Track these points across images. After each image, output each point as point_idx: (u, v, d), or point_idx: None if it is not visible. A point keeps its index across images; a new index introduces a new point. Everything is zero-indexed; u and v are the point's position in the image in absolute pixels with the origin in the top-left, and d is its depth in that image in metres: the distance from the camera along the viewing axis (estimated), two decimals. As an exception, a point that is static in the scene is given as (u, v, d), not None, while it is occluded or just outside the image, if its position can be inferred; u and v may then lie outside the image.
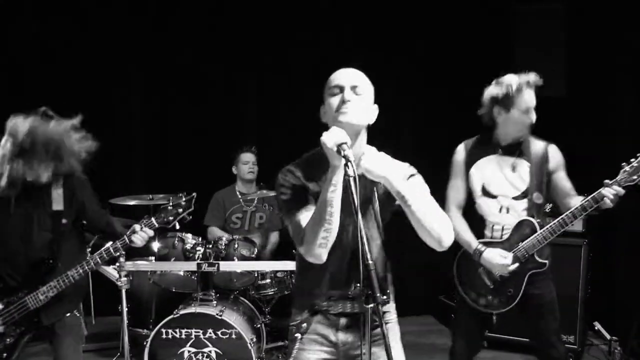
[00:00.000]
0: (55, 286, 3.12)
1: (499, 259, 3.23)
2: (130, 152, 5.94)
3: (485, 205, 3.35)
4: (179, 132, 6.06)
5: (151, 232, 3.25)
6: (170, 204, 3.31)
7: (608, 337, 5.03)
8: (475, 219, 3.37)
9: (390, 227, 2.35)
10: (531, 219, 3.29)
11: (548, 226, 3.22)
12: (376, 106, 2.37)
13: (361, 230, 1.96)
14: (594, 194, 3.10)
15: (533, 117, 3.24)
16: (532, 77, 3.23)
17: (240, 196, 5.26)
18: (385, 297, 2.00)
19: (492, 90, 3.29)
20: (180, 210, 3.32)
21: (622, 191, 3.10)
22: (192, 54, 5.96)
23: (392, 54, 5.92)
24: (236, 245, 4.41)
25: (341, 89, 2.25)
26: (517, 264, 3.24)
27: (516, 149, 3.34)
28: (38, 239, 3.17)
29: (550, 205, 3.49)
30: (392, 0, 5.95)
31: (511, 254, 3.25)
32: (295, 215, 2.27)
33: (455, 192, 3.39)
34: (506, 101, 3.22)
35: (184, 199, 3.33)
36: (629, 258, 5.09)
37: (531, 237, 3.25)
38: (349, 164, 2.00)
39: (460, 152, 3.42)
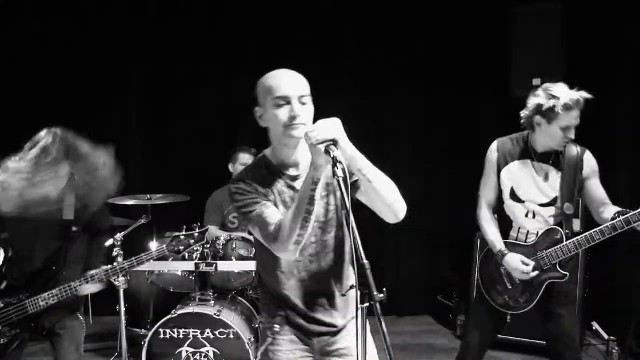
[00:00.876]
0: (57, 295, 3.12)
1: (520, 265, 3.25)
2: (129, 152, 5.90)
3: (513, 208, 3.36)
4: (178, 131, 6.04)
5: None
6: (184, 233, 3.42)
7: (606, 337, 5.03)
8: (503, 218, 3.41)
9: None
10: (560, 229, 3.30)
11: (575, 239, 3.22)
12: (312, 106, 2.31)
13: (354, 230, 1.93)
14: (627, 216, 3.08)
15: (572, 135, 3.21)
16: (583, 94, 3.18)
17: None
18: (381, 295, 1.98)
19: (539, 99, 3.21)
20: (192, 241, 3.44)
21: None
22: (191, 54, 5.95)
23: (391, 54, 5.93)
24: (234, 245, 4.41)
25: (288, 101, 2.21)
26: (537, 272, 3.26)
27: (551, 157, 3.32)
28: (47, 245, 3.17)
29: (579, 224, 3.43)
30: (391, 0, 5.94)
31: (533, 263, 3.27)
32: (258, 214, 2.24)
33: (488, 190, 3.41)
34: (550, 114, 3.16)
35: (198, 231, 3.45)
36: (626, 258, 5.09)
37: (556, 247, 3.26)
38: (337, 165, 1.95)
39: (494, 151, 3.39)
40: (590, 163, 3.32)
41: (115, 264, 3.81)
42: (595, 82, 5.16)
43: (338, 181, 1.94)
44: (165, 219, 4.79)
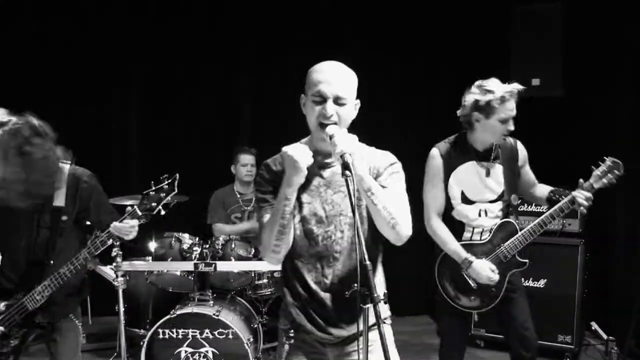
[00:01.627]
0: (50, 285, 3.06)
1: (488, 272, 3.27)
2: (127, 151, 5.92)
3: (464, 212, 3.36)
4: (177, 131, 6.05)
5: (134, 222, 3.11)
6: (152, 189, 3.16)
7: (605, 337, 5.05)
8: (453, 224, 3.38)
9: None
10: (512, 220, 3.38)
11: (529, 227, 3.31)
12: (358, 101, 2.38)
13: (358, 229, 1.97)
14: (570, 196, 3.24)
15: (511, 126, 3.26)
16: (516, 86, 3.24)
17: (238, 196, 5.26)
18: (382, 296, 1.99)
19: (475, 95, 3.27)
20: (163, 194, 3.15)
21: (591, 197, 3.24)
22: (191, 53, 5.95)
23: (390, 55, 5.94)
24: (233, 246, 4.41)
25: (324, 99, 2.26)
26: (498, 276, 3.30)
27: (491, 154, 3.37)
28: (37, 237, 3.11)
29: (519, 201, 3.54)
30: (391, 1, 5.94)
31: (496, 269, 3.29)
32: (262, 214, 2.37)
33: (434, 199, 3.36)
34: (487, 108, 3.23)
35: (166, 182, 3.16)
36: (625, 258, 5.10)
37: (513, 239, 3.33)
38: (347, 172, 2.06)
39: (437, 157, 3.37)
40: (523, 152, 3.44)
41: (113, 263, 3.89)
42: (594, 81, 5.28)
43: (346, 180, 2.04)
44: (163, 219, 4.75)
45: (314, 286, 2.37)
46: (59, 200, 3.11)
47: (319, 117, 2.28)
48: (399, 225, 2.26)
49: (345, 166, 2.07)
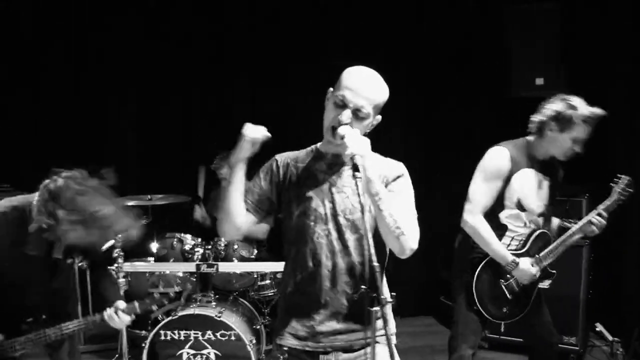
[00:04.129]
0: (32, 340, 2.92)
1: (533, 269, 3.28)
2: (128, 151, 5.86)
3: (514, 217, 3.32)
4: (179, 130, 5.98)
5: (127, 318, 3.10)
6: (159, 292, 3.29)
7: (610, 338, 5.00)
8: (496, 224, 3.31)
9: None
10: (547, 232, 3.39)
11: (561, 239, 3.33)
12: (379, 117, 2.35)
13: (366, 230, 1.95)
14: (589, 219, 3.29)
15: (580, 148, 3.23)
16: (600, 112, 3.19)
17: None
18: (390, 299, 1.95)
19: (558, 106, 3.20)
20: (166, 302, 3.23)
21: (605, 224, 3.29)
22: (192, 52, 5.89)
23: (387, 55, 5.76)
24: (235, 246, 4.37)
25: (344, 105, 2.23)
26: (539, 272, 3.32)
27: (548, 166, 3.34)
28: (30, 287, 2.96)
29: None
30: (386, 2, 5.88)
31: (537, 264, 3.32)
32: None
33: (486, 197, 3.27)
34: (566, 122, 3.16)
35: (174, 291, 3.31)
36: (631, 259, 5.06)
37: (547, 249, 3.33)
38: (356, 173, 2.05)
39: (505, 158, 3.26)
40: (562, 171, 3.46)
41: (115, 264, 3.85)
42: (594, 82, 5.21)
43: (355, 182, 2.01)
44: (166, 220, 4.75)
45: (308, 287, 2.35)
46: (58, 253, 2.96)
47: (333, 121, 2.25)
48: (404, 237, 2.19)
49: (355, 167, 2.05)
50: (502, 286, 3.31)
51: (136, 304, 3.11)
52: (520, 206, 3.29)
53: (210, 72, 5.95)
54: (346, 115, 2.21)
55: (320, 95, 2.36)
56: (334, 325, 2.32)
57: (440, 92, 5.95)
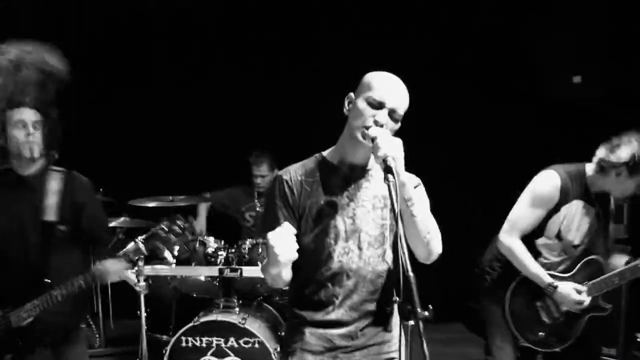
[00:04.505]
0: (39, 305, 2.88)
1: (575, 295, 3.06)
2: (151, 151, 5.78)
3: (551, 246, 3.16)
4: (202, 130, 5.88)
5: (118, 266, 3.02)
6: (163, 227, 3.06)
7: (651, 350, 4.78)
8: (529, 249, 3.16)
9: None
10: (600, 258, 3.16)
11: (617, 271, 3.10)
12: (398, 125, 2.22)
13: (401, 238, 1.83)
14: None
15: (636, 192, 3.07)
16: None
17: (257, 197, 5.08)
18: (427, 313, 1.80)
19: (635, 149, 3.00)
20: (173, 237, 3.06)
21: None
22: (215, 55, 5.87)
23: (404, 57, 5.60)
24: (260, 250, 4.20)
25: (380, 106, 2.12)
26: (589, 300, 3.09)
27: (600, 200, 3.16)
28: (28, 255, 2.94)
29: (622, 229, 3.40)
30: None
31: (585, 289, 3.08)
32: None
33: (527, 221, 3.14)
34: (637, 169, 2.99)
35: (179, 224, 3.06)
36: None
37: (600, 279, 3.11)
38: (389, 176, 1.93)
39: (556, 185, 3.11)
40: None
41: (135, 268, 3.76)
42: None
43: (389, 185, 1.90)
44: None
45: (323, 306, 2.25)
46: (51, 214, 2.96)
47: (367, 121, 2.12)
48: (433, 242, 2.17)
49: (388, 170, 1.93)
50: (540, 309, 3.12)
51: (140, 243, 3.03)
52: (559, 237, 3.14)
53: (227, 71, 5.89)
54: (383, 115, 2.12)
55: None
56: (353, 342, 2.27)
57: (466, 101, 5.77)
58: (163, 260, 4.32)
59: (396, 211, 1.86)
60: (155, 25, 5.81)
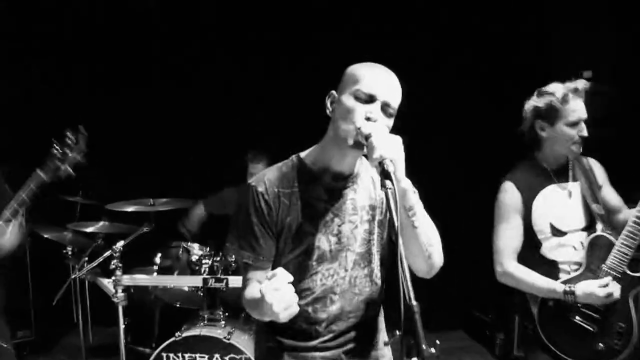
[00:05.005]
0: None
1: (599, 290, 2.63)
2: (129, 151, 5.51)
3: (557, 247, 2.78)
4: (186, 129, 5.63)
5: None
6: (55, 146, 2.77)
7: None
8: (542, 264, 2.80)
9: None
10: (602, 233, 2.75)
11: (625, 231, 2.67)
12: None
13: (402, 258, 1.50)
14: None
15: (584, 132, 2.74)
16: (581, 83, 2.74)
17: None
18: (433, 350, 1.53)
19: (534, 102, 2.80)
20: (69, 152, 2.79)
21: None
22: (191, 54, 5.61)
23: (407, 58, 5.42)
24: (229, 255, 3.88)
25: (370, 99, 1.82)
26: (617, 285, 2.67)
27: (567, 172, 2.85)
28: None
29: None
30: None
31: (607, 278, 2.67)
32: (247, 271, 2.00)
33: (510, 239, 2.80)
34: (550, 113, 2.73)
35: (68, 135, 2.79)
36: None
37: (614, 252, 2.69)
38: (387, 182, 1.62)
39: (512, 190, 2.81)
40: (600, 170, 2.92)
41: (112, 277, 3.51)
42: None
43: (386, 194, 1.60)
44: (170, 227, 4.38)
45: (304, 335, 1.99)
46: None
47: (357, 120, 1.80)
48: (434, 255, 1.89)
49: (386, 175, 1.63)
50: (579, 322, 2.75)
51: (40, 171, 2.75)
52: (556, 231, 2.78)
53: (212, 70, 5.67)
54: (376, 109, 1.80)
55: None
56: None
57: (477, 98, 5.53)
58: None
59: (396, 225, 1.55)
60: (152, 24, 5.62)
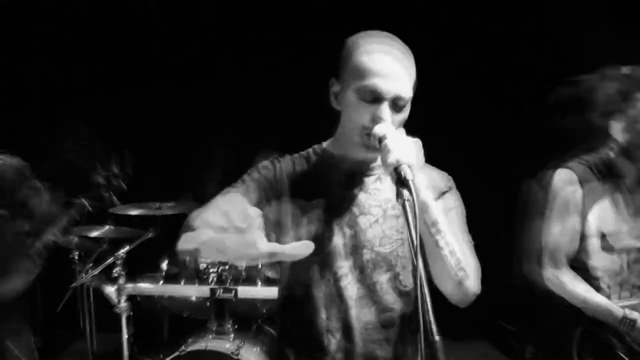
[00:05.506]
0: None
1: None
2: (136, 152, 5.33)
3: (603, 262, 2.45)
4: (194, 131, 5.46)
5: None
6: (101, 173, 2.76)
7: None
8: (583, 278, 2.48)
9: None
10: None
11: None
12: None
13: (422, 283, 1.29)
14: None
15: None
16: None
17: None
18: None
19: (603, 87, 2.39)
20: (114, 180, 2.86)
21: None
22: (191, 54, 5.46)
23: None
24: (259, 266, 3.67)
25: (377, 99, 1.58)
26: None
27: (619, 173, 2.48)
28: None
29: None
30: None
31: None
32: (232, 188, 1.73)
33: (565, 241, 2.44)
34: (625, 95, 2.33)
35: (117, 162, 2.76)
36: None
37: None
38: (405, 193, 1.38)
39: (574, 182, 2.43)
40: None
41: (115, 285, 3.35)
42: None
43: (404, 206, 1.37)
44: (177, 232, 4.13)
45: (314, 350, 1.72)
46: None
47: (365, 121, 1.58)
48: (468, 281, 1.60)
49: (403, 183, 1.40)
50: (621, 353, 2.42)
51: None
52: (607, 246, 2.45)
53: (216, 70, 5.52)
54: (385, 110, 1.56)
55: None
56: None
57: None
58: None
59: (414, 245, 1.31)
60: (148, 25, 5.48)
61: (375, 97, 1.56)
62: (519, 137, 5.23)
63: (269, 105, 5.31)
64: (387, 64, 1.57)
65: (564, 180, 2.44)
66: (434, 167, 1.80)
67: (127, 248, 3.44)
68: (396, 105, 1.58)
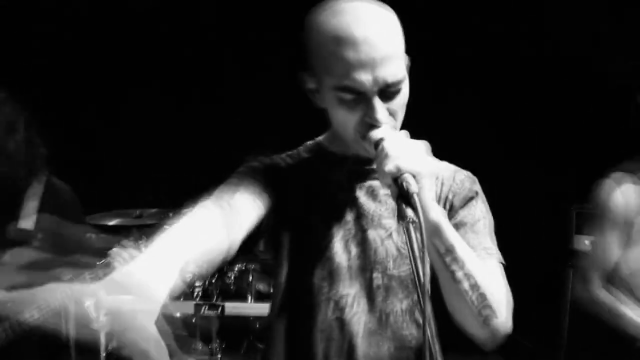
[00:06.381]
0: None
1: None
2: (112, 156, 5.19)
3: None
4: (176, 135, 5.31)
5: None
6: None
7: None
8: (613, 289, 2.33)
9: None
10: None
11: None
12: (406, 57, 1.35)
13: (428, 317, 1.03)
14: None
15: None
16: None
17: None
18: None
19: None
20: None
21: None
22: (181, 57, 5.34)
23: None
24: (250, 278, 3.38)
25: (362, 96, 1.24)
26: None
27: None
28: None
29: None
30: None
31: None
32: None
33: (607, 255, 2.30)
34: None
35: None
36: None
37: None
38: (408, 213, 1.07)
39: (618, 196, 2.30)
40: None
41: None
42: None
43: (407, 228, 1.07)
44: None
45: None
46: (27, 220, 2.49)
47: (360, 125, 1.25)
48: (496, 319, 1.26)
49: (406, 200, 1.09)
50: None
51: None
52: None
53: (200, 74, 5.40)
54: (378, 110, 1.24)
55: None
56: None
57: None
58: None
59: (420, 277, 1.02)
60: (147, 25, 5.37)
61: (358, 95, 1.24)
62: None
63: (268, 106, 5.19)
64: (362, 49, 1.22)
65: (610, 193, 2.34)
66: (451, 166, 1.50)
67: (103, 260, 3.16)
68: (387, 94, 1.25)
